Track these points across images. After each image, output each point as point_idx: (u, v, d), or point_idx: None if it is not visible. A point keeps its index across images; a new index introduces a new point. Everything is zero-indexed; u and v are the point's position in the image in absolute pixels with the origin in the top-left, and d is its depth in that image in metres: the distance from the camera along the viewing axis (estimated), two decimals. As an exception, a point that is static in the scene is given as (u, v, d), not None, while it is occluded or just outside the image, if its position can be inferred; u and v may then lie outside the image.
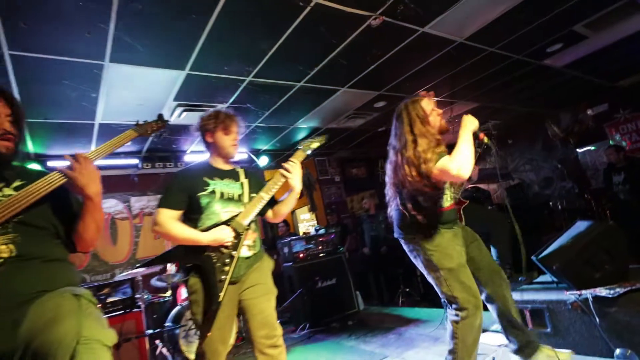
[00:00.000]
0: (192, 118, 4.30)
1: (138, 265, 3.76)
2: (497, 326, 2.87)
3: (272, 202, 2.03)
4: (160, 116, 1.71)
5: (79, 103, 3.47)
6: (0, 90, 1.32)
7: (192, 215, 1.87)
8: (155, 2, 2.38)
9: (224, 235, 1.74)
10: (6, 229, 1.16)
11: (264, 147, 5.92)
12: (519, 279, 2.88)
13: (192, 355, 3.65)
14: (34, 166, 1.40)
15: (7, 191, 1.22)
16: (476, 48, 3.83)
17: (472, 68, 4.29)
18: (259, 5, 2.57)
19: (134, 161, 5.23)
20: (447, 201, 2.06)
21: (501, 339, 2.62)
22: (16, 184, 1.26)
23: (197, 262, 1.76)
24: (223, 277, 1.72)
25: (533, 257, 2.63)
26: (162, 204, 1.83)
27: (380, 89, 4.42)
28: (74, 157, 1.25)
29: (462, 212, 2.96)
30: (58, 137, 4.14)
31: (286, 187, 1.99)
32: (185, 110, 4.02)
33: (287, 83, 3.88)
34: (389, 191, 2.12)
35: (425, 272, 2.06)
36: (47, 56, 2.72)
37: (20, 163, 1.42)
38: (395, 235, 2.15)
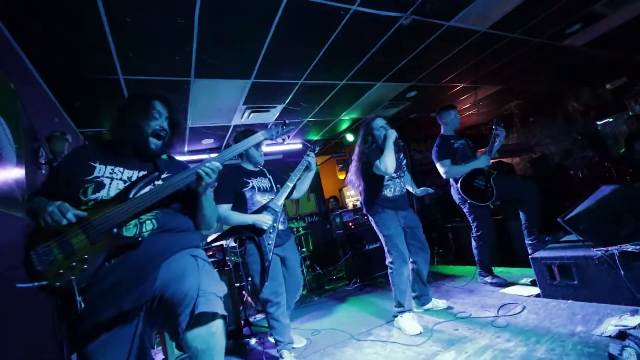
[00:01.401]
0: (258, 118, 4.41)
1: (210, 240, 3.97)
2: (526, 280, 2.74)
3: (294, 186, 2.36)
4: (285, 122, 1.67)
5: (174, 112, 3.68)
6: (164, 96, 1.37)
7: (241, 206, 2.16)
8: (225, 27, 2.44)
9: (263, 218, 2.06)
10: (153, 208, 1.20)
11: (315, 137, 5.94)
12: (546, 238, 2.67)
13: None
14: (179, 158, 1.43)
15: (158, 181, 1.26)
16: (498, 35, 3.49)
17: (495, 54, 3.93)
18: (306, 18, 2.53)
19: (215, 155, 5.48)
20: (390, 192, 2.45)
21: (531, 290, 2.48)
22: (165, 175, 1.30)
23: (252, 234, 2.09)
24: (270, 242, 2.08)
25: (559, 219, 2.42)
26: (218, 201, 2.10)
27: (412, 80, 4.20)
28: (211, 166, 1.29)
29: (492, 182, 2.79)
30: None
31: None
32: (252, 112, 4.12)
33: (332, 82, 3.82)
34: (355, 182, 2.52)
35: (379, 235, 2.49)
36: (149, 77, 2.90)
37: (167, 156, 1.46)
38: (364, 210, 2.58)
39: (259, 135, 1.57)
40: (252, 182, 2.21)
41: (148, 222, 1.18)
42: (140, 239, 1.14)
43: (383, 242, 2.46)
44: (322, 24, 2.67)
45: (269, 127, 1.64)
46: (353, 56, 3.32)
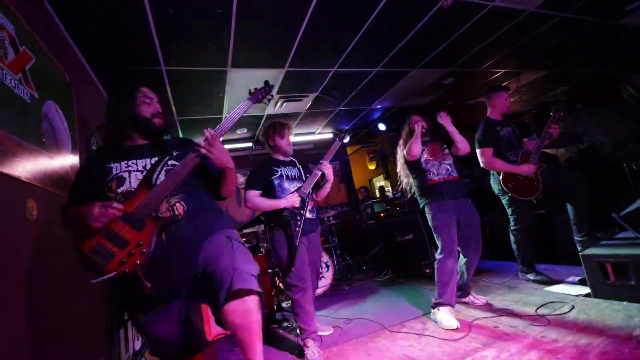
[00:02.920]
0: (290, 107, 4.39)
1: (240, 226, 4.04)
2: (573, 278, 2.54)
3: (317, 186, 2.31)
4: (266, 82, 1.68)
5: (212, 102, 3.75)
6: (148, 85, 1.40)
7: (271, 192, 2.19)
8: (261, 16, 2.41)
9: (293, 198, 2.10)
10: (176, 191, 1.25)
11: (346, 127, 5.85)
12: (598, 235, 2.44)
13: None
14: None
15: (171, 161, 1.29)
16: (547, 15, 3.20)
17: (542, 36, 3.61)
18: (342, 3, 2.44)
19: (249, 144, 5.58)
20: (435, 176, 2.38)
21: (579, 289, 2.30)
22: (175, 153, 1.34)
23: (280, 220, 2.10)
24: (297, 229, 2.07)
25: (614, 215, 2.21)
26: (248, 187, 2.18)
27: (449, 66, 3.98)
28: (209, 141, 1.26)
29: (539, 176, 2.59)
30: (199, 130, 4.56)
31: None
32: (285, 101, 4.10)
33: (366, 70, 3.70)
34: (401, 172, 2.56)
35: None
36: (189, 68, 2.96)
37: (171, 136, 1.49)
38: (419, 204, 2.50)
39: (246, 103, 1.53)
40: (280, 170, 2.26)
41: (178, 204, 1.24)
42: (178, 216, 1.21)
43: (433, 231, 2.37)
44: (358, 9, 2.57)
45: (252, 92, 1.61)
46: (388, 42, 3.19)
